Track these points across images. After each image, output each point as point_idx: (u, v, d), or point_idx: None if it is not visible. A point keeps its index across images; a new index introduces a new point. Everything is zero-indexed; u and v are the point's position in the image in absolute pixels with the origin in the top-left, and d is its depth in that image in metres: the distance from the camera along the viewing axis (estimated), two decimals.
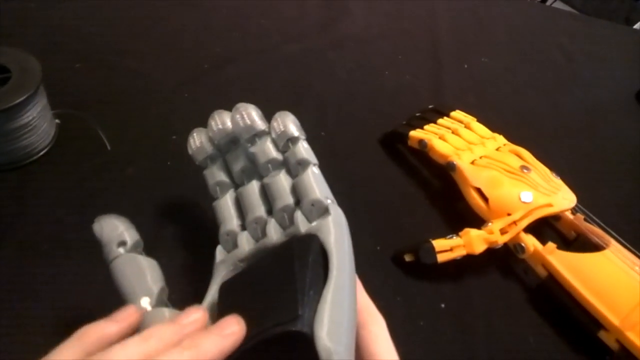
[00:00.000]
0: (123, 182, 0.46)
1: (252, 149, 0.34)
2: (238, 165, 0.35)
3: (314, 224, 0.30)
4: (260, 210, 0.33)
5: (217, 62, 0.61)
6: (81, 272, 0.39)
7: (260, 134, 0.34)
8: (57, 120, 0.47)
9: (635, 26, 1.73)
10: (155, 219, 0.43)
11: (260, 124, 0.34)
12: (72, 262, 0.39)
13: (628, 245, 0.44)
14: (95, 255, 0.38)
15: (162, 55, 0.60)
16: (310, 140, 0.54)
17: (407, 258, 0.43)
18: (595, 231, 0.45)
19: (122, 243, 0.30)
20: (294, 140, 0.33)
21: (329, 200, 0.30)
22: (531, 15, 0.88)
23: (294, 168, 0.33)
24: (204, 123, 0.37)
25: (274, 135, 0.34)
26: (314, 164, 0.33)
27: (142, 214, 0.43)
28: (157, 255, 0.40)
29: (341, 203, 0.47)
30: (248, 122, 0.33)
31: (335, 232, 0.28)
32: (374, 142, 0.55)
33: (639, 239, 0.45)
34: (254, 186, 0.34)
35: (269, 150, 0.33)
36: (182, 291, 0.35)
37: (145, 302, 0.27)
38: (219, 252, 0.33)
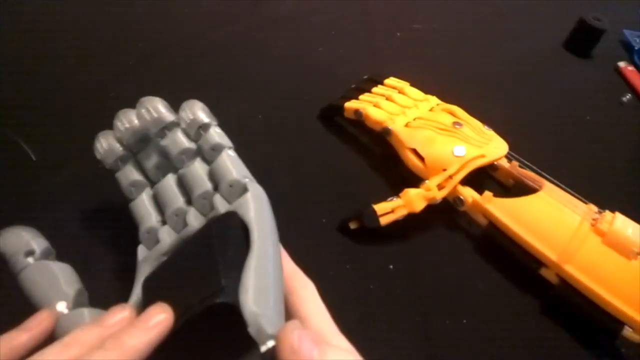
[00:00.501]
0: (52, 191, 0.44)
1: (163, 142, 0.33)
2: (151, 162, 0.34)
3: (233, 204, 0.29)
4: (179, 201, 0.32)
5: (142, 57, 0.59)
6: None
7: (170, 126, 0.33)
8: None
9: None
10: (89, 224, 0.42)
11: (167, 115, 0.33)
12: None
13: (561, 185, 0.46)
14: None
15: (84, 56, 0.58)
16: (248, 124, 0.54)
17: (352, 225, 0.44)
18: (529, 175, 0.47)
19: (30, 252, 0.28)
20: (205, 127, 0.33)
21: (247, 179, 0.30)
22: None
23: (209, 154, 0.32)
24: None
25: (184, 125, 0.33)
26: (229, 147, 0.33)
27: (75, 220, 0.42)
28: (92, 260, 0.39)
29: (284, 181, 0.48)
30: (155, 115, 0.33)
31: (255, 205, 0.28)
32: (313, 118, 0.56)
33: (571, 177, 0.47)
34: (169, 180, 0.33)
35: (180, 140, 0.33)
36: (117, 294, 0.34)
37: (62, 306, 0.26)
38: (141, 251, 0.33)
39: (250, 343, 0.23)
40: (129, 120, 0.34)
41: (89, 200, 0.44)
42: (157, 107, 0.33)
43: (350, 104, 0.52)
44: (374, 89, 0.55)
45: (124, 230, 0.42)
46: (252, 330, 0.22)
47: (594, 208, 0.43)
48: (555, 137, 0.57)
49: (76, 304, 0.27)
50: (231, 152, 0.32)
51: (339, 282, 0.42)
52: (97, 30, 0.62)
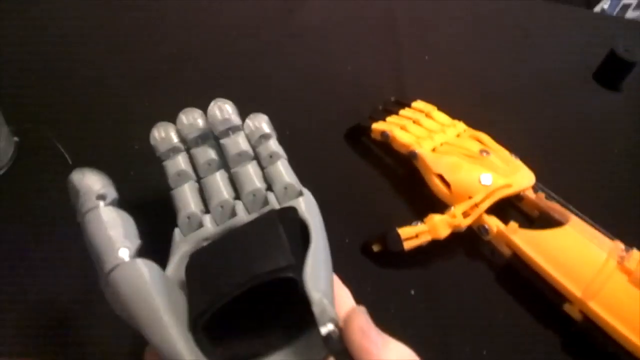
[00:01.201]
0: None
1: (224, 141, 0.35)
2: (204, 158, 0.35)
3: (287, 204, 0.31)
4: (225, 194, 0.33)
5: (173, 63, 0.60)
6: (45, 291, 0.39)
7: (235, 129, 0.35)
8: (15, 138, 0.47)
9: (596, 8, 1.77)
10: None
11: (236, 118, 0.35)
12: (35, 280, 0.39)
13: (587, 219, 0.45)
14: (62, 272, 0.38)
15: (115, 61, 0.59)
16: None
17: (375, 248, 0.44)
18: (555, 208, 0.47)
19: (102, 197, 0.28)
20: (266, 136, 0.36)
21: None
22: (488, 1, 0.89)
23: (266, 160, 0.35)
24: None
25: (247, 132, 0.36)
26: (285, 158, 0.35)
27: None
28: None
29: None
30: (226, 115, 0.35)
31: (309, 207, 0.31)
32: (338, 135, 0.56)
33: (598, 212, 0.46)
34: (219, 175, 0.35)
35: (242, 142, 0.35)
36: None
37: (124, 253, 0.25)
38: (178, 235, 0.32)
39: (304, 325, 0.25)
40: (194, 117, 0.36)
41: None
42: (229, 109, 0.35)
43: (378, 126, 0.53)
44: (401, 112, 0.55)
45: (153, 235, 0.43)
46: (316, 309, 0.23)
47: (620, 245, 0.43)
48: (582, 170, 0.57)
49: (136, 255, 0.27)
50: (286, 163, 0.35)
51: (358, 303, 0.42)
52: (126, 37, 0.63)
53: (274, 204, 0.32)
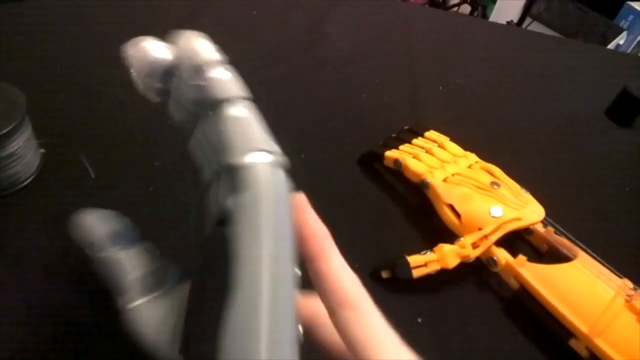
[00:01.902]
0: (106, 209, 0.47)
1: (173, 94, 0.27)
2: (185, 103, 0.26)
3: (236, 200, 0.20)
4: (207, 172, 0.25)
5: None
6: (66, 300, 0.40)
7: (171, 71, 0.26)
8: (42, 150, 0.49)
9: (610, 45, 1.79)
10: None
11: (160, 59, 0.27)
12: (56, 288, 0.40)
13: (595, 256, 0.46)
14: (82, 284, 0.39)
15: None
16: (289, 161, 0.56)
17: (384, 274, 0.44)
18: (564, 243, 0.47)
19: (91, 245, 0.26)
20: (199, 69, 0.24)
21: (262, 154, 0.21)
22: (506, 37, 0.91)
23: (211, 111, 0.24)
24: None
25: (179, 63, 0.26)
26: (241, 98, 0.24)
27: None
28: None
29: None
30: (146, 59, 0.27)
31: (255, 219, 0.19)
32: (352, 162, 0.57)
33: (607, 249, 0.47)
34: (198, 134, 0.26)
35: (189, 93, 0.25)
36: None
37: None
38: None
39: None
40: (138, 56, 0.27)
41: (138, 221, 0.46)
42: (146, 49, 0.26)
43: (391, 153, 0.54)
44: (414, 140, 0.57)
45: (167, 249, 0.44)
46: None
47: (629, 284, 0.43)
48: (592, 206, 0.57)
49: (144, 290, 0.25)
50: (239, 111, 0.23)
51: None
52: None
53: (212, 204, 0.22)
